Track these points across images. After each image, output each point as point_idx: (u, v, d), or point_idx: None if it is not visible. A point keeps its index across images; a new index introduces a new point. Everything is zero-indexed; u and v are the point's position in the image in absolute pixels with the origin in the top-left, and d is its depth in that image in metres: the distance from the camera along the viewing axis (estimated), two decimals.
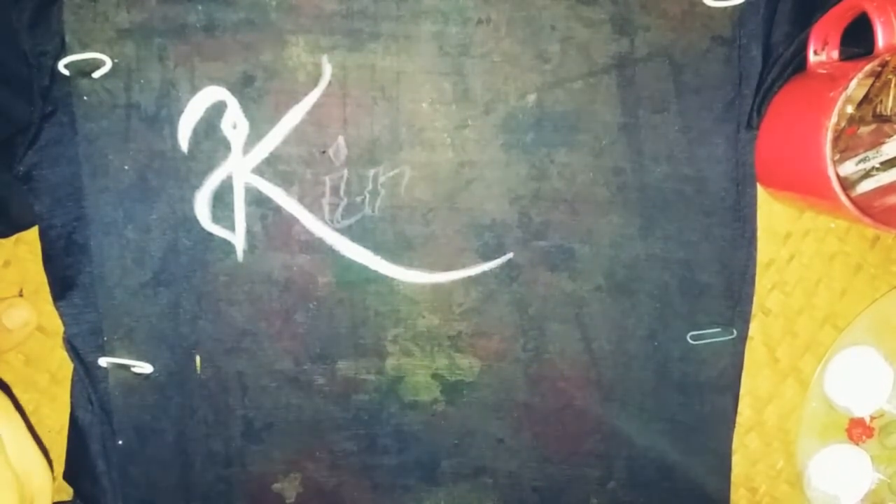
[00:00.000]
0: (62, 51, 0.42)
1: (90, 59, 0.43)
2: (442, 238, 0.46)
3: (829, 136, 0.39)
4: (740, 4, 0.44)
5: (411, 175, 0.45)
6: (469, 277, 0.46)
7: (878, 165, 0.43)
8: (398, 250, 0.46)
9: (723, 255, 0.47)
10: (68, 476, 0.48)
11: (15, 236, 0.47)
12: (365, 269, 0.46)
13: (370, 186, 0.45)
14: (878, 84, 0.41)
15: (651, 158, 0.46)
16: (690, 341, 0.47)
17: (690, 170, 0.46)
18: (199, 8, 0.43)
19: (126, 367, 0.46)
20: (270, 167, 0.44)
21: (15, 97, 0.44)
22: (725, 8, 0.45)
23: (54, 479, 0.46)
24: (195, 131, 0.44)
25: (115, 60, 0.43)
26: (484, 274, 0.46)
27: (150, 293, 0.45)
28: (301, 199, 0.45)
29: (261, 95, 0.44)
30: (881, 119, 0.43)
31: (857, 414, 0.50)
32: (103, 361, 0.45)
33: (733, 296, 0.47)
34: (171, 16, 0.43)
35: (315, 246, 0.45)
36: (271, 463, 0.48)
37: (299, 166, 0.45)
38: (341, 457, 0.48)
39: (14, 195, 0.45)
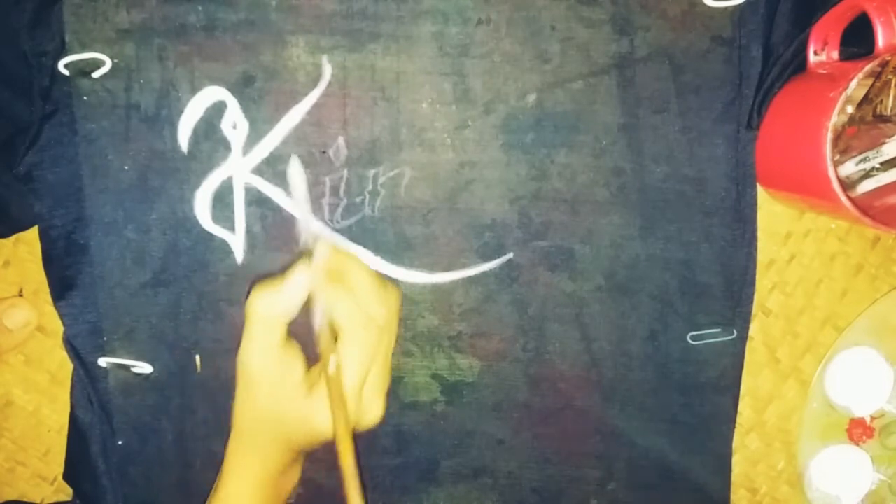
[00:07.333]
0: (62, 51, 0.43)
1: (90, 59, 0.43)
2: (442, 238, 0.46)
3: (829, 136, 0.39)
4: (740, 4, 0.44)
5: (411, 175, 0.45)
6: (469, 278, 0.46)
7: (878, 165, 0.43)
8: (398, 250, 0.46)
9: (723, 256, 0.47)
10: (68, 476, 0.48)
11: (15, 236, 0.47)
12: None
13: (370, 187, 0.45)
14: (878, 84, 0.41)
15: (651, 159, 0.46)
16: (691, 342, 0.47)
17: (690, 170, 0.46)
18: (199, 8, 0.43)
19: (126, 367, 0.46)
20: (270, 167, 0.44)
21: (15, 97, 0.44)
22: (725, 8, 0.45)
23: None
24: (195, 131, 0.44)
25: (115, 60, 0.43)
26: (484, 274, 0.46)
27: (150, 293, 0.45)
28: None
29: (261, 95, 0.44)
30: (881, 119, 0.43)
31: (858, 414, 0.50)
32: (103, 361, 0.45)
33: (733, 296, 0.47)
34: (171, 16, 0.43)
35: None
36: None
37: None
38: None
39: (14, 195, 0.45)
